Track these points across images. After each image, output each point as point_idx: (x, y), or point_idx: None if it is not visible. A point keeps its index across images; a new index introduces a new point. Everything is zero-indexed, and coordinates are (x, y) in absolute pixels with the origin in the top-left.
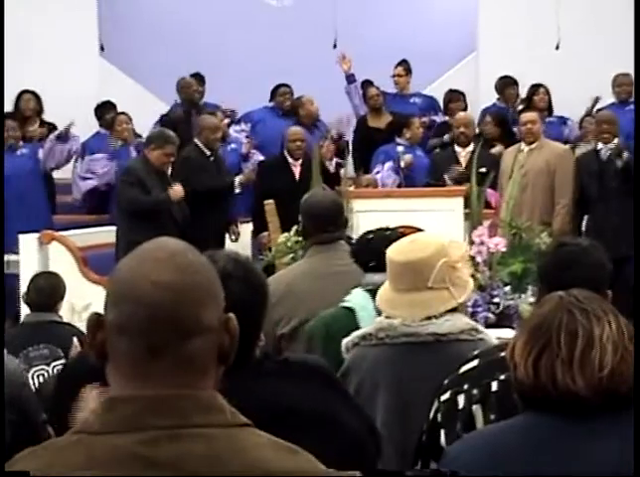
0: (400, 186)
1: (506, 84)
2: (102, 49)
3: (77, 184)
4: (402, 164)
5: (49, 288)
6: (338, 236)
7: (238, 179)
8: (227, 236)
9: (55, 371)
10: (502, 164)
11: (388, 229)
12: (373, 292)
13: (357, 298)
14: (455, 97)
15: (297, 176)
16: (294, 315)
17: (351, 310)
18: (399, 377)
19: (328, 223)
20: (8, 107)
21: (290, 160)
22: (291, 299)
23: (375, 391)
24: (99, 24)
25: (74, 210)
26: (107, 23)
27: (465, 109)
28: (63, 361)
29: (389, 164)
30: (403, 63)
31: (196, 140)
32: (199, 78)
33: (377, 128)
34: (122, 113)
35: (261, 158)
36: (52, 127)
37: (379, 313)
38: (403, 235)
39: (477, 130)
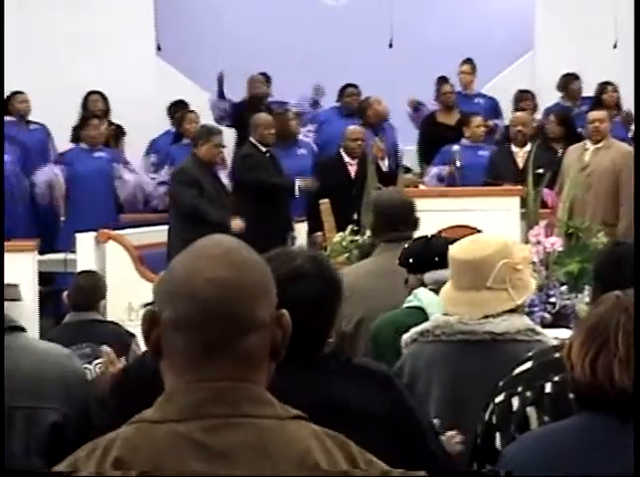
0: (454, 185)
1: (569, 80)
2: (159, 48)
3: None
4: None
5: (90, 288)
6: (407, 235)
7: (298, 182)
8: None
9: (97, 369)
10: (564, 162)
11: (432, 236)
12: (436, 291)
13: (424, 297)
14: (525, 97)
15: (353, 175)
16: (356, 313)
17: (420, 309)
18: (453, 374)
19: (398, 222)
20: (73, 109)
21: (347, 159)
22: (355, 297)
23: (429, 387)
24: (156, 23)
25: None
26: (164, 22)
27: (535, 109)
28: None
29: (435, 170)
30: (469, 61)
31: (251, 138)
32: (265, 77)
33: (446, 125)
34: (191, 111)
35: None
36: (118, 129)
37: None
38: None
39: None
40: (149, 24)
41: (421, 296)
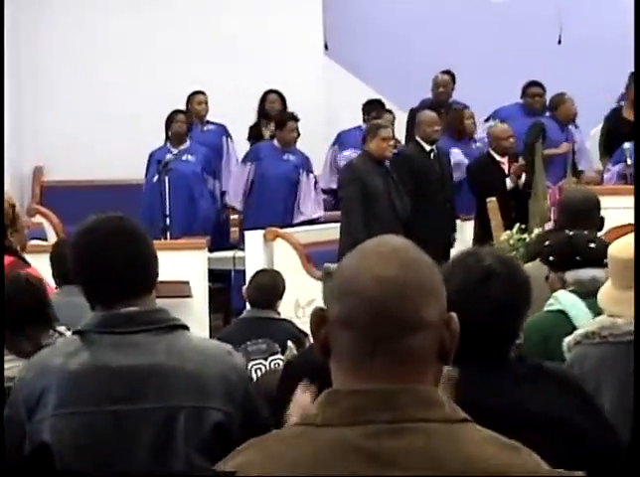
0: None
1: None
2: (327, 47)
3: None
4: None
5: (269, 286)
6: (592, 234)
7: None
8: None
9: (272, 365)
10: None
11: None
12: (577, 293)
13: (565, 299)
14: None
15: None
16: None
17: (562, 312)
18: (624, 376)
19: (580, 219)
20: (251, 109)
21: (498, 158)
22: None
23: (598, 391)
24: (324, 20)
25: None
26: (332, 19)
27: None
28: (279, 356)
29: (618, 167)
30: None
31: (416, 136)
32: (450, 75)
33: (629, 121)
34: (389, 111)
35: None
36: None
37: (594, 311)
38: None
39: None
40: (317, 21)
41: (562, 299)
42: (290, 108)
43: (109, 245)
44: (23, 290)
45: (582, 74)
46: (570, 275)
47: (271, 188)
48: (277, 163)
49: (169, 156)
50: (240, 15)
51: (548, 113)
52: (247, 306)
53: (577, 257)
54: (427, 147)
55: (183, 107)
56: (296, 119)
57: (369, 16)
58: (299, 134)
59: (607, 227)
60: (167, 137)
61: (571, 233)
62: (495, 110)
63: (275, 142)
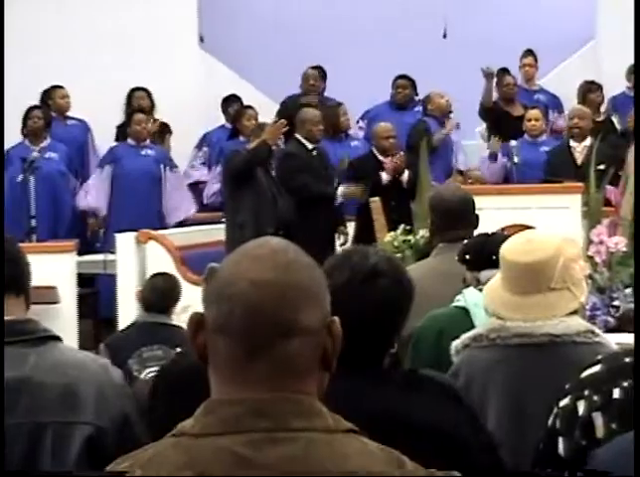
0: (511, 182)
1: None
2: (202, 39)
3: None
4: (516, 160)
5: (166, 290)
6: (464, 234)
7: (341, 189)
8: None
9: None
10: (628, 156)
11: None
12: None
13: (469, 296)
14: (592, 88)
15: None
16: (417, 316)
17: (464, 309)
18: (512, 379)
19: (458, 220)
20: (118, 106)
21: (380, 157)
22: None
23: (485, 394)
24: (199, 11)
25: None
26: (208, 10)
27: (602, 102)
28: None
29: (501, 161)
30: (531, 52)
31: (297, 134)
32: (321, 71)
33: (511, 114)
34: (249, 107)
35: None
36: (164, 126)
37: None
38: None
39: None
40: (192, 12)
41: (467, 296)
42: (163, 105)
43: None
44: None
45: (468, 69)
46: (485, 275)
47: (133, 186)
48: (135, 159)
49: (35, 154)
50: (109, 3)
51: (418, 108)
52: (137, 311)
53: (493, 257)
54: (310, 146)
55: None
56: (143, 111)
57: (247, 6)
58: (168, 129)
59: (493, 227)
60: (23, 134)
61: (490, 232)
62: (366, 110)
63: (130, 140)
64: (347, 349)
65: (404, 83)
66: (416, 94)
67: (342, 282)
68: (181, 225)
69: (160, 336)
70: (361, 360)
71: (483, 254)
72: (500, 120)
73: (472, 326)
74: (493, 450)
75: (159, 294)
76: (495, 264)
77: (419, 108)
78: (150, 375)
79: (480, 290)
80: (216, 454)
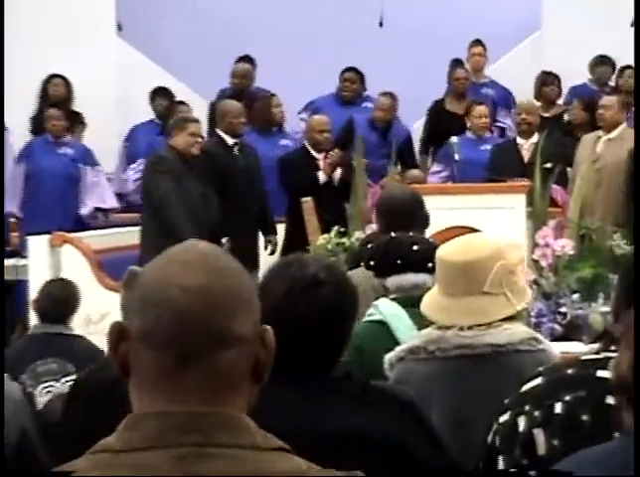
0: (453, 181)
1: (598, 63)
2: (120, 28)
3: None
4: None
5: (62, 298)
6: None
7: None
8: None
9: (65, 387)
10: (577, 154)
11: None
12: (399, 300)
13: (385, 308)
14: (550, 80)
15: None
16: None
17: (382, 323)
18: (453, 393)
19: (402, 221)
20: (32, 94)
21: (313, 153)
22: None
23: (425, 408)
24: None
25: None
26: None
27: (560, 94)
28: (74, 376)
29: (444, 173)
30: (480, 42)
31: (217, 129)
32: (249, 61)
33: (454, 113)
34: (181, 102)
35: None
36: (76, 115)
37: (417, 322)
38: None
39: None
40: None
41: (383, 308)
42: (79, 97)
43: None
44: None
45: (406, 60)
46: (392, 281)
47: (46, 187)
48: (51, 158)
49: None
50: None
51: (366, 104)
52: (34, 320)
53: (398, 261)
54: (230, 141)
55: None
56: (54, 105)
57: None
58: (80, 119)
59: (434, 228)
60: None
61: (393, 234)
62: (310, 101)
63: (49, 136)
64: (292, 359)
65: (352, 77)
66: (365, 90)
67: (283, 292)
68: (100, 227)
69: (56, 347)
70: (307, 369)
71: (388, 259)
72: (441, 121)
73: (393, 339)
74: (446, 457)
75: (54, 302)
76: (401, 269)
77: (368, 104)
78: (45, 390)
79: (392, 300)
80: (138, 471)
